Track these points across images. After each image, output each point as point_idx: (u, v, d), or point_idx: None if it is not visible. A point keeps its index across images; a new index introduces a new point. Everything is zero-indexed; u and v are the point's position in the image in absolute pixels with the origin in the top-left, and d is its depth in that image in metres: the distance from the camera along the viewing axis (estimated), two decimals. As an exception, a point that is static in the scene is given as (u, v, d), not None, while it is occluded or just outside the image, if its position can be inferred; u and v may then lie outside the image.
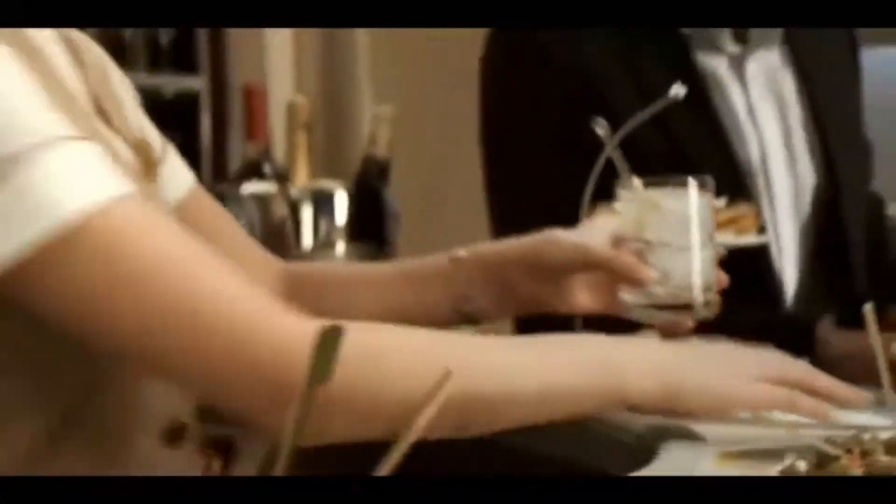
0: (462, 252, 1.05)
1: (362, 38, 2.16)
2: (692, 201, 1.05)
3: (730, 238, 1.31)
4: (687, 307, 1.01)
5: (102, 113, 0.94)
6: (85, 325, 0.75)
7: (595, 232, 1.06)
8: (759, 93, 1.55)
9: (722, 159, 1.46)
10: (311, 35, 2.16)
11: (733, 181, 1.42)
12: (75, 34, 0.97)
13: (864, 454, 0.76)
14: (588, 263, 1.00)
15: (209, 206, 1.09)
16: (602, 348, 0.82)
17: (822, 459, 0.77)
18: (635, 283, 0.99)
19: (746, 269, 1.36)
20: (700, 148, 1.46)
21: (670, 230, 1.06)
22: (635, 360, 0.81)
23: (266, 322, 0.75)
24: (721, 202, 1.30)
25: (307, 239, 1.73)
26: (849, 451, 0.77)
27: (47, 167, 0.71)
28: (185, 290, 0.76)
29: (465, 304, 1.00)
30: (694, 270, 1.05)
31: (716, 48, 1.52)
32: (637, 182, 1.06)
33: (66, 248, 0.72)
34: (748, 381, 0.80)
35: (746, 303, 1.35)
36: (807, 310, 1.47)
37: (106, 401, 0.87)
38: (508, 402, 0.76)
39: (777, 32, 1.55)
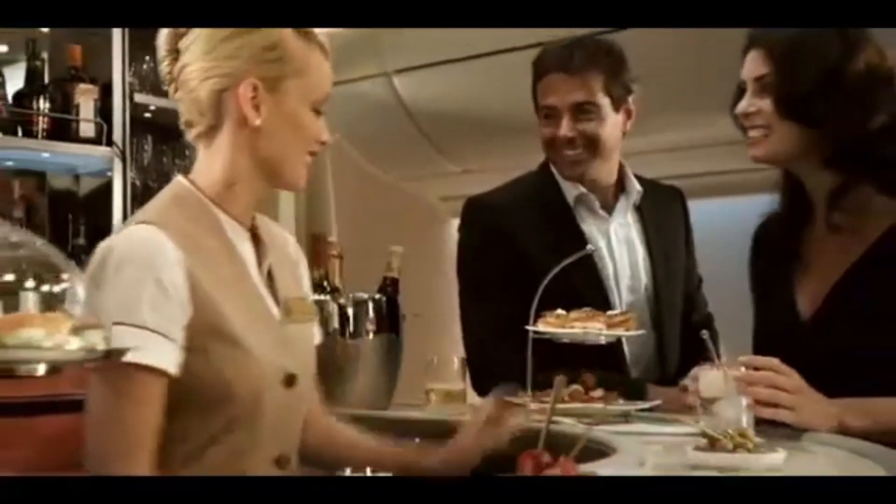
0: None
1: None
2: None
3: (621, 331, 1.95)
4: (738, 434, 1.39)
5: (272, 279, 1.54)
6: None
7: None
8: (616, 243, 2.21)
9: (593, 282, 2.15)
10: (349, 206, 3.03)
11: (600, 297, 2.12)
12: (268, 238, 1.57)
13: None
14: None
15: None
16: None
17: (711, 440, 1.33)
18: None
19: (609, 350, 2.07)
20: (582, 278, 2.11)
21: (732, 392, 1.51)
22: None
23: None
24: (617, 311, 2.01)
25: (350, 331, 2.24)
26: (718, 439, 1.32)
27: (136, 338, 1.29)
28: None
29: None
30: (743, 414, 1.48)
31: (592, 214, 2.21)
32: (721, 364, 1.54)
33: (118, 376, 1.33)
34: None
35: (608, 368, 2.05)
36: (638, 373, 2.15)
37: (244, 437, 1.44)
38: None
39: (631, 204, 2.23)
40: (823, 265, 1.80)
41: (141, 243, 1.38)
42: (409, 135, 3.52)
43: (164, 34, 1.53)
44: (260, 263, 1.56)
